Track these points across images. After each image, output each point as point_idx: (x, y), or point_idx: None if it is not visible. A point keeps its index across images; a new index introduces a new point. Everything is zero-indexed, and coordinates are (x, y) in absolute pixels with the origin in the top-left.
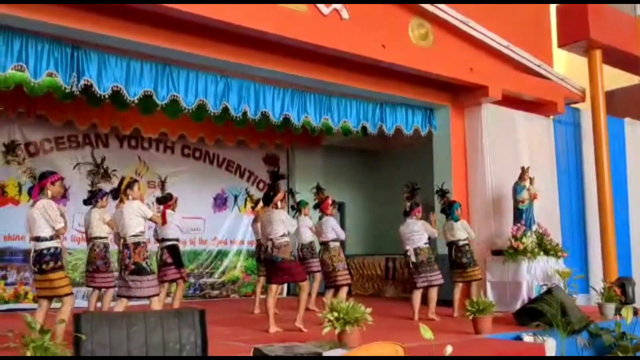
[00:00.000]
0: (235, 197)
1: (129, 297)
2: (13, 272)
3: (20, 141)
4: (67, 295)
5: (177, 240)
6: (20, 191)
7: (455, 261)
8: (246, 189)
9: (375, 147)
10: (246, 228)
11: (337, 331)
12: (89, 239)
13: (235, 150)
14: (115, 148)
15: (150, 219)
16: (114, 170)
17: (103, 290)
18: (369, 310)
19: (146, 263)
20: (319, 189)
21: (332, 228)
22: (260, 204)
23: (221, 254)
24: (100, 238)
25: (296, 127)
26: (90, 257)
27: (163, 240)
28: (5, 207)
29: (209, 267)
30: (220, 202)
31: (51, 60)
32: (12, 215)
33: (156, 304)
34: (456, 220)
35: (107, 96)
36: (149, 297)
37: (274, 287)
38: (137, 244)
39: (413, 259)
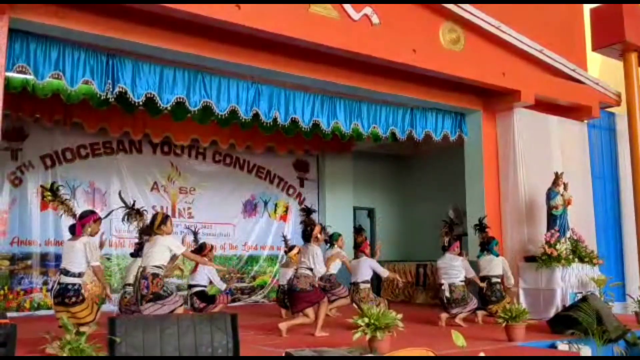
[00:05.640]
0: (265, 203)
1: None
2: (54, 278)
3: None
4: (89, 322)
5: (205, 286)
6: None
7: (484, 297)
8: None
9: (406, 152)
10: (276, 234)
11: (367, 337)
12: (125, 285)
13: (266, 157)
14: (149, 154)
15: (183, 254)
16: (144, 210)
17: None
18: (399, 316)
19: (163, 290)
20: (359, 230)
21: (373, 268)
22: (295, 250)
23: (251, 260)
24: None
25: (326, 133)
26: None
27: (192, 286)
28: (45, 211)
29: (239, 272)
30: (250, 208)
31: (87, 68)
32: (51, 220)
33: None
34: (496, 255)
35: (140, 103)
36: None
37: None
38: (155, 275)
39: (447, 294)
